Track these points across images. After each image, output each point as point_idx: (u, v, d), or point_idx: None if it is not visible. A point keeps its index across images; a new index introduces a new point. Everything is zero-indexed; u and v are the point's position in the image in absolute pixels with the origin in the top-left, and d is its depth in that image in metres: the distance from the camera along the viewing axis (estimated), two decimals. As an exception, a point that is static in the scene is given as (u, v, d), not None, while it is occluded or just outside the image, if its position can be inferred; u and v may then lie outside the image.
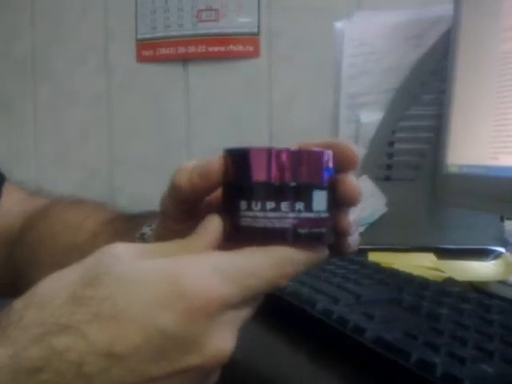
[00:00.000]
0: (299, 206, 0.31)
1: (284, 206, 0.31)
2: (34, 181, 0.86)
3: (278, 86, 1.48)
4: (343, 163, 0.33)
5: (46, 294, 0.27)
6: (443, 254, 0.73)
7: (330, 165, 0.33)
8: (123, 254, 0.28)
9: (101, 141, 1.57)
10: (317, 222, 0.32)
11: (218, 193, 0.34)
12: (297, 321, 0.47)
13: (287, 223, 0.31)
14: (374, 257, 0.72)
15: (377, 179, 0.83)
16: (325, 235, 0.33)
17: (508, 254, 0.75)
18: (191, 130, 1.51)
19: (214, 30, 1.51)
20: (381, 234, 0.82)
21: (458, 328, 0.40)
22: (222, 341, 0.28)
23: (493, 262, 0.71)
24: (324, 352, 0.42)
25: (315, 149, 0.33)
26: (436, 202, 0.78)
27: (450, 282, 0.60)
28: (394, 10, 0.88)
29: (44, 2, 1.58)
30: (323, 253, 0.34)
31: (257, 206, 0.31)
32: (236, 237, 0.32)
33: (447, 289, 0.50)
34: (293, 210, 0.31)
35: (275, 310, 0.50)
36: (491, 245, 0.79)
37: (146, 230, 0.48)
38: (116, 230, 0.54)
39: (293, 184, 0.31)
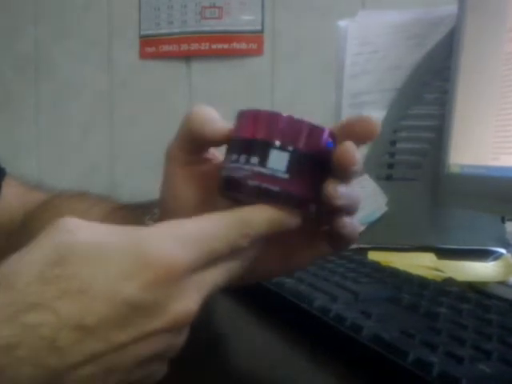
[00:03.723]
0: (254, 160, 0.33)
1: (242, 158, 0.33)
2: (36, 175, 0.86)
3: (280, 84, 1.48)
4: (360, 134, 0.34)
5: (10, 274, 0.28)
6: (443, 254, 0.73)
7: (305, 132, 0.33)
8: (82, 227, 0.29)
9: (102, 136, 1.58)
10: (270, 179, 0.33)
11: None
12: (294, 318, 0.47)
13: (241, 174, 0.33)
14: (374, 256, 0.72)
15: (378, 178, 0.83)
16: (282, 195, 0.33)
17: (508, 255, 0.74)
18: (193, 127, 1.51)
19: (218, 28, 1.51)
20: (381, 233, 0.81)
21: (456, 328, 0.39)
22: (184, 303, 0.29)
23: (493, 262, 0.71)
24: (321, 349, 0.42)
25: (289, 115, 0.34)
26: (437, 201, 0.78)
27: (450, 282, 0.60)
28: (398, 9, 0.88)
29: (47, -3, 1.58)
30: (289, 216, 0.33)
31: (227, 158, 0.35)
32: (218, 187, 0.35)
33: (446, 289, 0.50)
34: (248, 162, 0.33)
35: (273, 306, 0.50)
36: (492, 245, 0.79)
37: (157, 211, 0.48)
38: (124, 217, 0.54)
39: (252, 139, 0.34)
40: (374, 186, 0.82)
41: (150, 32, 1.54)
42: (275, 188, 0.33)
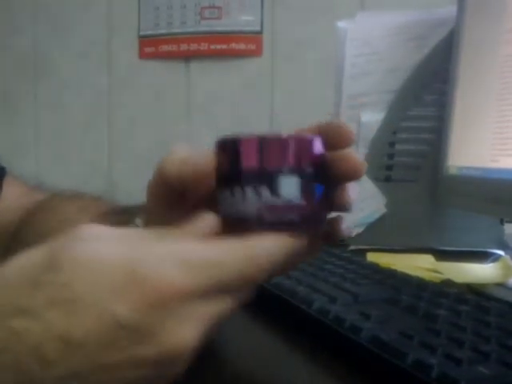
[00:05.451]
0: (264, 190, 0.31)
1: (250, 191, 0.31)
2: (35, 175, 0.86)
3: (279, 85, 1.48)
4: (338, 141, 0.33)
5: (7, 276, 0.27)
6: (442, 255, 0.73)
7: (309, 150, 0.32)
8: (92, 237, 0.28)
9: (101, 136, 1.57)
10: (285, 208, 0.31)
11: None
12: (293, 319, 0.47)
13: (252, 209, 0.31)
14: (372, 257, 0.72)
15: (377, 180, 0.83)
16: (297, 222, 0.31)
17: (507, 256, 0.74)
18: (192, 128, 1.51)
19: (217, 28, 1.51)
20: (380, 234, 0.81)
21: (455, 329, 0.39)
22: (180, 334, 0.27)
23: (491, 264, 0.71)
24: (320, 351, 0.42)
25: (284, 135, 0.32)
26: (436, 203, 0.78)
27: (448, 283, 0.60)
28: (397, 10, 0.88)
29: (47, -4, 1.58)
30: (302, 239, 0.31)
31: (228, 193, 0.32)
32: (222, 227, 0.32)
33: (445, 290, 0.50)
34: (258, 195, 0.31)
35: (271, 308, 0.50)
36: (490, 247, 0.79)
37: (139, 222, 0.48)
38: (109, 224, 0.54)
39: (258, 169, 0.31)
40: (373, 188, 0.82)
41: (149, 32, 1.54)
42: (292, 216, 0.31)
